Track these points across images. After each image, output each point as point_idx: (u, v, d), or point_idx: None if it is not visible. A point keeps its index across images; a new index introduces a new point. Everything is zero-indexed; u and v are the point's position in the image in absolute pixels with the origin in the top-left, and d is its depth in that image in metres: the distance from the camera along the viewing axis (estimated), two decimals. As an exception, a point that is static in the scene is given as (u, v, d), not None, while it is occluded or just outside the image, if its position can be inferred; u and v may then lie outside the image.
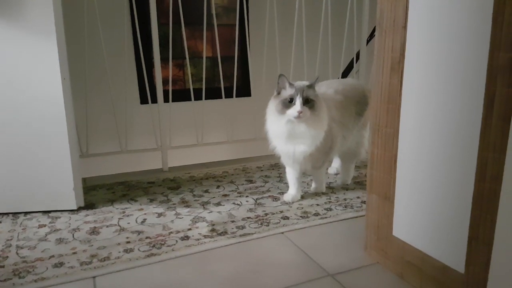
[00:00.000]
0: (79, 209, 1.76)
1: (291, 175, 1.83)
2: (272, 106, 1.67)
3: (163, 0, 3.13)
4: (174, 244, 1.45)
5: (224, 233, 1.52)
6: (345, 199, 1.82)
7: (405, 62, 1.15)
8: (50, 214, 1.71)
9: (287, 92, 1.62)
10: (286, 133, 1.65)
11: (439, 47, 1.04)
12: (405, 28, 1.14)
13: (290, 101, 1.59)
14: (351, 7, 2.55)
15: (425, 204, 1.13)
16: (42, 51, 1.57)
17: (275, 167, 2.28)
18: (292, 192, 1.83)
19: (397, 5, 1.16)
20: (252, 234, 1.50)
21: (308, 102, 1.60)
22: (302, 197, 1.84)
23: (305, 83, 1.65)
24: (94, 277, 1.27)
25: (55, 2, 1.55)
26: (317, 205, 1.76)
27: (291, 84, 1.62)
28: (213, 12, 2.41)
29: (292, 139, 1.66)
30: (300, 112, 1.57)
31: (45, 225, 1.61)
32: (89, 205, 1.81)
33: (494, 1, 0.90)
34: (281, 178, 2.11)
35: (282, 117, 1.62)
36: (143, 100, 3.30)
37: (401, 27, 1.15)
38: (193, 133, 2.43)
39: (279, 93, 1.66)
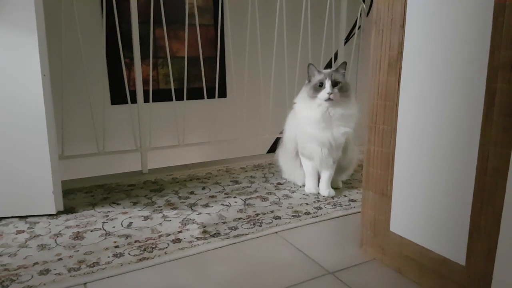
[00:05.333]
0: (58, 213, 1.68)
1: (310, 168, 1.86)
2: (304, 93, 1.77)
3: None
4: (166, 247, 1.40)
5: (217, 234, 1.49)
6: (333, 198, 1.83)
7: (403, 60, 1.18)
8: (27, 220, 1.61)
9: (317, 78, 1.73)
10: (320, 116, 1.71)
11: (438, 44, 1.07)
12: (403, 27, 1.16)
13: (320, 85, 1.70)
14: (329, 9, 2.59)
15: (424, 199, 1.16)
16: (22, 46, 1.48)
17: (259, 168, 2.27)
18: (312, 184, 1.87)
19: (395, 4, 1.18)
20: (246, 234, 1.48)
21: (336, 84, 1.69)
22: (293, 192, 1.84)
23: (332, 69, 1.78)
24: (85, 284, 1.21)
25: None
26: (307, 204, 1.76)
27: (319, 71, 1.74)
28: (196, 12, 2.37)
29: (329, 123, 1.72)
30: (330, 94, 1.67)
31: (23, 231, 1.52)
32: (68, 209, 1.72)
33: (495, 1, 0.93)
34: (267, 178, 2.10)
35: (314, 101, 1.72)
36: (117, 101, 3.21)
37: (399, 26, 1.17)
38: (171, 134, 2.38)
39: (309, 81, 1.77)
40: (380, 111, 1.26)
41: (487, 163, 0.98)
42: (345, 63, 1.76)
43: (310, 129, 1.75)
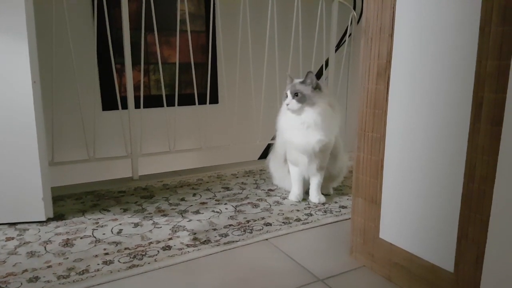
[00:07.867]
0: (48, 220, 1.66)
1: (296, 174, 1.87)
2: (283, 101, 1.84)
3: (130, 6, 3.05)
4: (156, 255, 1.39)
5: (208, 241, 1.48)
6: (323, 204, 1.84)
7: (391, 69, 1.19)
8: (17, 226, 1.60)
9: (286, 88, 1.81)
10: (287, 123, 1.79)
11: (426, 53, 1.08)
12: (391, 36, 1.18)
13: (286, 96, 1.77)
14: (320, 17, 2.61)
15: (413, 206, 1.17)
16: (12, 52, 1.47)
17: (250, 174, 2.27)
18: (296, 191, 1.88)
19: (384, 14, 1.19)
20: (237, 241, 1.48)
21: (297, 95, 1.73)
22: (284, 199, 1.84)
23: (299, 80, 1.82)
24: (74, 292, 1.20)
25: (27, 3, 1.47)
26: (297, 210, 1.76)
27: (289, 83, 1.82)
28: (187, 18, 2.38)
29: (303, 131, 1.76)
30: (287, 104, 1.74)
31: (13, 238, 1.50)
32: (58, 216, 1.71)
33: (482, 11, 0.95)
34: (258, 184, 2.10)
35: (284, 110, 1.81)
36: (108, 107, 3.19)
37: (387, 35, 1.19)
38: (162, 140, 2.37)
39: None
40: (369, 119, 1.27)
41: (475, 171, 1.00)
42: (310, 73, 1.76)
43: (286, 135, 1.81)
